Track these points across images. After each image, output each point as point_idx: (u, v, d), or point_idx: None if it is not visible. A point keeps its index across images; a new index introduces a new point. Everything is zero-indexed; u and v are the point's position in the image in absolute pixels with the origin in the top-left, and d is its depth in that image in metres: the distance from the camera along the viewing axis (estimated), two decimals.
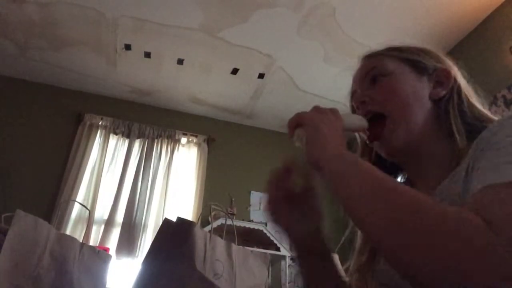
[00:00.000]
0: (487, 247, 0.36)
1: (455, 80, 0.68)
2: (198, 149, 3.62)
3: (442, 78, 0.68)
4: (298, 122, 0.61)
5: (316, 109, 0.63)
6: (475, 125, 0.62)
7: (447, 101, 0.66)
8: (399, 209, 0.41)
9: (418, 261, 0.38)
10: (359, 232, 0.72)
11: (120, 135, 3.46)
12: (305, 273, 0.70)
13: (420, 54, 0.71)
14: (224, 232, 0.87)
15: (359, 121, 0.67)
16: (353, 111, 0.76)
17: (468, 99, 0.67)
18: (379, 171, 0.49)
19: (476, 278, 0.35)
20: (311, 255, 0.69)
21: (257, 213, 3.53)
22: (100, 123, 3.45)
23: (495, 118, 0.64)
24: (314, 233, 0.69)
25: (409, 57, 0.70)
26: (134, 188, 3.22)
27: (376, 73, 0.70)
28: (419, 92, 0.67)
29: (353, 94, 0.75)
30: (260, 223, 3.22)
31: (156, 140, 3.49)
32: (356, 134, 0.76)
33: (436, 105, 0.67)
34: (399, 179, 0.77)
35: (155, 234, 0.79)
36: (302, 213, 0.68)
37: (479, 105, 0.66)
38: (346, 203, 0.48)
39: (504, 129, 0.49)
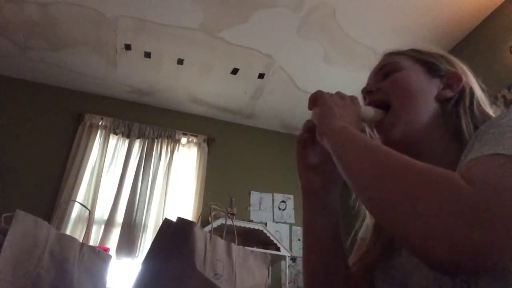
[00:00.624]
0: (462, 197, 0.38)
1: (467, 84, 0.69)
2: (198, 149, 3.62)
3: (452, 81, 0.69)
4: (316, 99, 0.65)
5: (337, 92, 0.67)
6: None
7: (455, 103, 0.67)
8: (389, 166, 0.45)
9: (404, 213, 0.40)
10: (368, 226, 0.72)
11: (120, 135, 3.46)
12: (307, 229, 0.70)
13: (435, 57, 0.72)
14: (224, 232, 0.87)
15: (377, 113, 0.69)
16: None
17: (480, 104, 0.67)
18: (382, 145, 0.51)
19: (451, 225, 0.36)
20: (319, 210, 0.69)
21: (257, 213, 3.54)
22: (100, 123, 3.45)
23: None
24: (327, 192, 0.69)
25: (424, 58, 0.72)
26: (134, 188, 3.22)
27: (389, 69, 0.72)
28: (425, 90, 0.68)
29: (364, 90, 0.77)
30: (260, 223, 3.23)
31: (156, 140, 3.50)
32: (365, 128, 0.77)
33: (442, 106, 0.67)
34: None
35: (155, 234, 0.80)
36: (320, 170, 0.70)
37: (491, 112, 0.67)
38: (345, 171, 0.51)
39: (502, 119, 0.50)
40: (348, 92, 0.68)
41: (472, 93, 0.68)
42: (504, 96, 2.25)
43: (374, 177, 0.45)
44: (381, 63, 0.75)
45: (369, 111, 0.68)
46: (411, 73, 0.70)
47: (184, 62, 3.15)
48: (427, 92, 0.68)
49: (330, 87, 0.74)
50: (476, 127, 0.63)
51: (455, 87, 0.68)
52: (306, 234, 0.70)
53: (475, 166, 0.43)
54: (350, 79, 3.11)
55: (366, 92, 0.73)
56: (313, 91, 0.68)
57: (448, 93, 0.68)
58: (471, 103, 0.67)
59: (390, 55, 0.76)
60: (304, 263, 0.70)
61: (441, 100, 0.68)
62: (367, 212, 0.72)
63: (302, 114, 3.69)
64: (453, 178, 0.40)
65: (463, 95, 0.67)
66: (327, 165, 0.66)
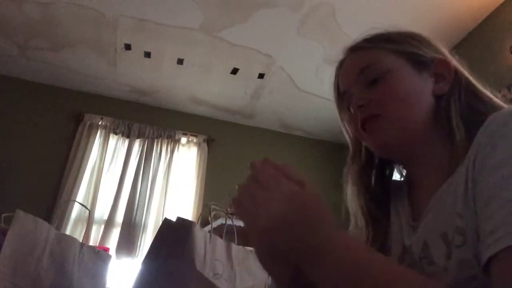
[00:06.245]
0: None
1: (456, 71, 0.63)
2: (198, 149, 3.62)
3: (442, 70, 0.62)
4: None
5: (252, 177, 0.51)
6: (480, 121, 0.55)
7: (449, 96, 0.60)
8: None
9: None
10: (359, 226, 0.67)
11: (120, 135, 3.46)
12: None
13: (416, 45, 0.64)
14: (224, 232, 0.87)
15: None
16: (340, 106, 0.70)
17: (473, 85, 0.62)
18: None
19: None
20: None
21: None
22: (100, 123, 3.45)
23: (505, 106, 0.59)
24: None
25: (404, 49, 0.63)
26: (134, 188, 3.22)
27: (373, 72, 0.63)
28: (420, 89, 0.61)
29: (345, 93, 0.67)
30: None
31: (156, 140, 3.49)
32: (346, 135, 0.71)
33: (437, 101, 0.61)
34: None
35: (155, 234, 0.79)
36: None
37: (489, 94, 0.61)
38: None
39: (506, 137, 0.44)
40: None
41: (467, 80, 0.62)
42: (504, 96, 2.25)
43: None
44: (359, 64, 0.65)
45: None
46: (400, 74, 0.61)
47: (184, 62, 3.15)
48: (424, 93, 0.61)
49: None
50: (469, 121, 0.57)
51: (448, 77, 0.62)
52: None
53: (507, 267, 0.38)
54: None
55: (358, 107, 0.62)
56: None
57: (444, 87, 0.61)
58: (468, 92, 0.61)
59: (362, 50, 0.66)
60: None
61: (437, 96, 0.61)
62: (358, 215, 0.67)
63: (302, 114, 3.69)
64: None
65: (454, 86, 0.61)
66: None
